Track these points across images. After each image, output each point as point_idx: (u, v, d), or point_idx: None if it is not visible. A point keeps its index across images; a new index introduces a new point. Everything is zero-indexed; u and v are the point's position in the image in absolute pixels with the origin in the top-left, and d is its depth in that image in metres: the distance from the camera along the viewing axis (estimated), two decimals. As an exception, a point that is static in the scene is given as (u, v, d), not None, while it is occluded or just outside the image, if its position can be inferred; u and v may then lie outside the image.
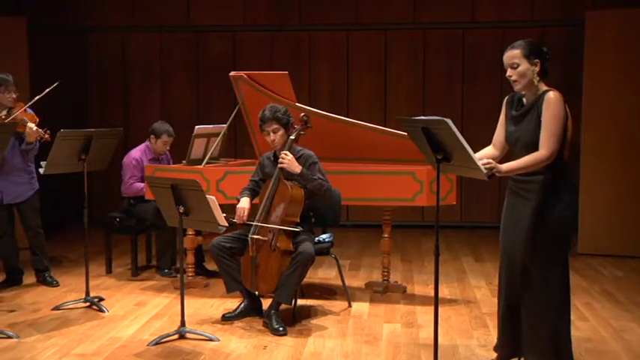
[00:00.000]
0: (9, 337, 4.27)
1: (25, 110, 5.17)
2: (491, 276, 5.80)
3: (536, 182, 3.36)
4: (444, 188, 4.94)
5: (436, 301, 3.47)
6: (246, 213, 4.59)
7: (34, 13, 7.53)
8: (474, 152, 3.23)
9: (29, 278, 5.59)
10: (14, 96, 5.20)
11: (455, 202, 5.23)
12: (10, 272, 5.50)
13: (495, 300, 3.79)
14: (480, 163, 3.18)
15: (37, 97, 5.11)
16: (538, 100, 3.35)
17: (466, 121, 7.84)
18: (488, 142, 3.65)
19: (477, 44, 8.02)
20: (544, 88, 3.38)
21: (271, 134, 4.60)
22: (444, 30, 8.14)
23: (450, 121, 3.15)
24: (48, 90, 5.04)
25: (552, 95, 3.31)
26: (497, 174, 3.31)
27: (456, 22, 8.10)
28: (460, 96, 8.19)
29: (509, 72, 3.41)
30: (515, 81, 3.39)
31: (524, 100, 3.45)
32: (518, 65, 3.36)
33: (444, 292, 5.37)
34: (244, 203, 4.64)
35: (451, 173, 4.64)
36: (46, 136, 5.12)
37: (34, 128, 5.11)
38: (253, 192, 4.78)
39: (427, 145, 3.33)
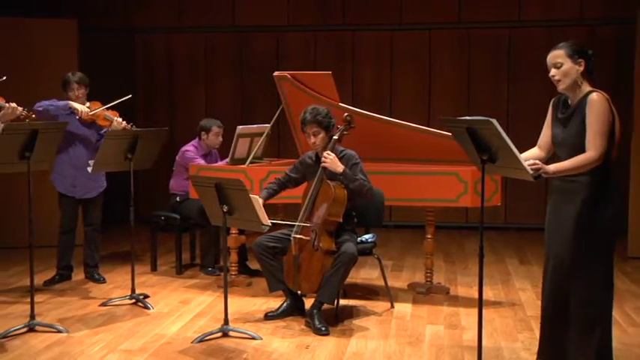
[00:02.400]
0: (59, 331, 4.38)
1: (105, 108, 5.37)
2: (536, 278, 5.70)
3: (581, 183, 3.31)
4: (489, 189, 4.88)
5: (480, 303, 3.44)
6: None
7: (83, 14, 7.70)
8: (520, 153, 3.21)
9: (78, 274, 5.73)
10: (77, 93, 5.37)
11: (499, 203, 5.15)
12: (61, 268, 5.63)
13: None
14: (526, 164, 3.14)
15: (115, 103, 5.36)
16: (582, 102, 3.31)
17: (512, 121, 7.73)
18: (534, 143, 3.60)
19: (523, 44, 7.91)
20: (588, 89, 3.34)
21: (312, 137, 4.60)
22: (490, 29, 8.05)
23: (495, 122, 3.13)
24: (122, 99, 5.35)
25: (595, 96, 3.27)
26: (544, 175, 3.27)
27: (502, 21, 8.00)
28: (505, 96, 8.08)
29: (552, 72, 3.37)
30: (558, 80, 3.36)
31: (569, 101, 3.41)
32: (562, 64, 3.33)
33: (488, 294, 5.30)
34: None
35: (496, 174, 4.58)
36: (133, 129, 5.29)
37: (123, 123, 5.31)
38: (280, 186, 4.76)
39: (472, 146, 3.30)
